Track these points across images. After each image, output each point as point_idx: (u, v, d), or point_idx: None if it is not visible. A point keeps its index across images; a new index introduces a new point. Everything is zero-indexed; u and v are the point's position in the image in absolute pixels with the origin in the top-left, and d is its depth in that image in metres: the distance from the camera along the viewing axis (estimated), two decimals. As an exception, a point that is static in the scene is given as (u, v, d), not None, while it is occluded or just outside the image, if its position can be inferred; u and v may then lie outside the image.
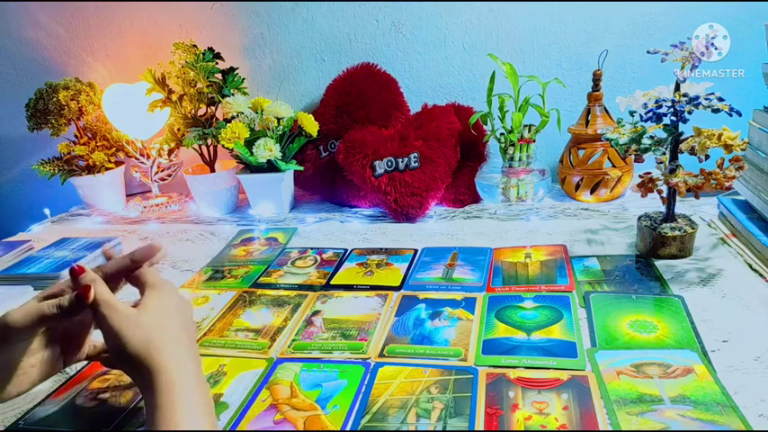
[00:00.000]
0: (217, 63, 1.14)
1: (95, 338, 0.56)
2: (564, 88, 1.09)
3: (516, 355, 0.60)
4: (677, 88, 0.77)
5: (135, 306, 0.50)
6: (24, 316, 0.49)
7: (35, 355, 0.52)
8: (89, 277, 0.51)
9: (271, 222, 1.11)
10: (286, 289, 0.81)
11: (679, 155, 0.77)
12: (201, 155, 1.19)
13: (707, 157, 0.74)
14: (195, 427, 0.43)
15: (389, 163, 1.06)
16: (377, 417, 0.53)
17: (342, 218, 1.11)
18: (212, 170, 1.19)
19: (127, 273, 0.55)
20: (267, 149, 1.06)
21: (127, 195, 1.32)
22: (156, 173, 1.25)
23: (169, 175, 1.27)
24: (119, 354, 0.47)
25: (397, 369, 0.60)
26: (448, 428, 0.51)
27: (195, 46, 1.13)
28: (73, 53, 1.33)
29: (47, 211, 1.25)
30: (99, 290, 0.50)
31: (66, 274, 0.87)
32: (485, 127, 1.09)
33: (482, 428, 0.50)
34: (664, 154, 0.78)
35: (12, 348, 0.50)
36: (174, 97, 1.13)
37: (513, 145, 1.04)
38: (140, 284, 0.54)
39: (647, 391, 0.53)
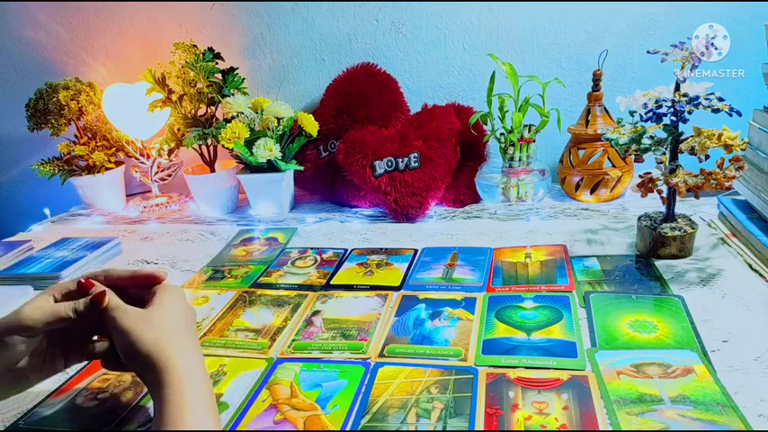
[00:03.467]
0: (217, 63, 1.14)
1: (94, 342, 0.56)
2: (564, 88, 1.09)
3: (516, 355, 0.60)
4: (677, 88, 0.77)
5: (143, 308, 0.52)
6: (40, 315, 0.49)
7: (38, 355, 0.52)
8: (98, 288, 0.53)
9: (271, 222, 1.11)
10: (286, 289, 0.81)
11: (679, 155, 0.77)
12: (201, 155, 1.19)
13: (707, 157, 0.74)
14: (203, 425, 0.44)
15: (389, 163, 1.06)
16: (377, 417, 0.53)
17: (342, 218, 1.11)
18: (212, 170, 1.19)
19: (126, 285, 0.56)
20: (267, 149, 1.06)
21: (127, 195, 1.32)
22: (156, 173, 1.25)
23: (169, 175, 1.27)
24: (130, 353, 0.48)
25: (397, 369, 0.60)
26: (448, 428, 0.51)
27: (195, 46, 1.13)
28: (73, 53, 1.33)
29: (47, 211, 1.25)
30: (108, 296, 0.52)
31: (65, 273, 0.88)
32: (485, 127, 1.09)
33: (482, 428, 0.50)
34: (664, 154, 0.78)
35: (17, 346, 0.50)
36: (174, 97, 1.13)
37: (513, 145, 1.04)
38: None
39: (647, 391, 0.53)
